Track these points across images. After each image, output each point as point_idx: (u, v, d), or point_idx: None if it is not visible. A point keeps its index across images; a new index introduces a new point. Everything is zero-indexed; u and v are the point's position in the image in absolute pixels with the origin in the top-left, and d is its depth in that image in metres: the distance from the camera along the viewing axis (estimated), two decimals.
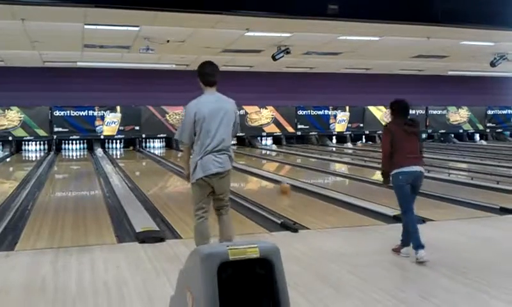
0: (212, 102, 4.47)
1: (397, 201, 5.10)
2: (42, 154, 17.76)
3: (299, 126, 21.54)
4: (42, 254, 5.15)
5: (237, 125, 4.67)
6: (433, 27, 11.01)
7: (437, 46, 14.37)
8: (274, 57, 14.36)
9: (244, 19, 10.07)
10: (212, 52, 14.78)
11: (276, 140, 21.41)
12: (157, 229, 6.06)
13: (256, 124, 20.84)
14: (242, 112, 20.48)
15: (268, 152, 19.26)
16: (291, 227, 6.19)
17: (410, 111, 5.24)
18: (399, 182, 4.97)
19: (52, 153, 17.87)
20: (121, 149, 19.41)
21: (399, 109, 5.18)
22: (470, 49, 15.00)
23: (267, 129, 21.10)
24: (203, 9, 8.84)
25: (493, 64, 16.29)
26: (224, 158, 4.48)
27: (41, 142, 18.70)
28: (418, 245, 4.80)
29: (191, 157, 4.61)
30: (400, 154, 4.98)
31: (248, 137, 20.89)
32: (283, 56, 14.22)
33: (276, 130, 21.25)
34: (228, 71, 19.06)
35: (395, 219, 6.46)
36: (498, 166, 12.79)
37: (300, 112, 21.49)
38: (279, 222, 6.47)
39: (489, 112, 23.83)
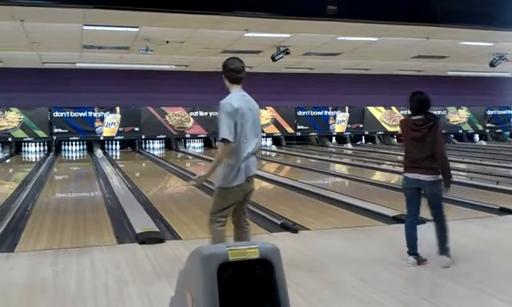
0: (245, 101, 4.19)
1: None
2: (42, 155, 17.75)
3: (298, 127, 21.54)
4: (42, 256, 5.15)
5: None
6: (432, 28, 11.01)
7: (436, 46, 14.37)
8: (273, 58, 14.35)
9: (243, 20, 10.06)
10: (211, 52, 14.79)
11: (276, 140, 21.41)
12: (157, 230, 6.05)
13: None
14: None
15: (268, 153, 19.25)
16: (291, 228, 6.19)
17: (409, 112, 4.91)
18: (403, 185, 4.94)
19: (51, 154, 17.86)
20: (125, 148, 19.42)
21: (410, 104, 4.80)
22: (470, 49, 15.00)
23: (267, 130, 21.08)
24: (201, 10, 8.85)
25: (492, 65, 16.29)
26: (256, 159, 4.29)
27: (41, 144, 18.68)
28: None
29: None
30: (406, 158, 4.86)
31: None
32: (282, 57, 14.22)
33: (276, 131, 21.25)
34: None
35: (395, 219, 6.46)
36: (497, 166, 12.80)
37: (300, 113, 21.49)
38: (279, 222, 6.47)
39: (489, 112, 23.84)
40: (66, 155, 18.26)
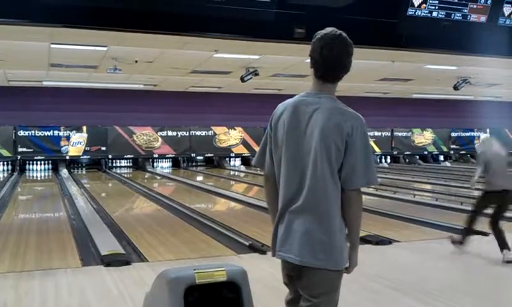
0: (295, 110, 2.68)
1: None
2: (5, 175, 17.35)
3: None
4: (4, 279, 5.01)
5: None
6: (398, 51, 11.24)
7: (402, 69, 14.67)
8: (242, 79, 14.43)
9: (212, 41, 10.11)
10: (180, 72, 14.78)
11: (245, 161, 21.43)
12: (123, 252, 5.96)
13: (224, 145, 20.84)
14: (210, 133, 20.48)
15: (236, 173, 19.23)
16: (259, 249, 6.17)
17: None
18: None
19: (15, 173, 17.46)
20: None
21: None
22: (434, 73, 15.37)
23: (236, 150, 21.10)
24: (171, 31, 8.85)
25: (456, 88, 16.72)
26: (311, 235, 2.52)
27: (5, 163, 18.25)
28: None
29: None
30: None
31: (216, 158, 20.88)
32: (251, 78, 14.31)
33: (245, 151, 21.27)
34: (196, 92, 19.10)
35: (361, 240, 6.51)
36: (461, 187, 13.04)
37: None
38: (247, 244, 6.46)
39: (453, 134, 24.41)
40: (31, 174, 17.90)
